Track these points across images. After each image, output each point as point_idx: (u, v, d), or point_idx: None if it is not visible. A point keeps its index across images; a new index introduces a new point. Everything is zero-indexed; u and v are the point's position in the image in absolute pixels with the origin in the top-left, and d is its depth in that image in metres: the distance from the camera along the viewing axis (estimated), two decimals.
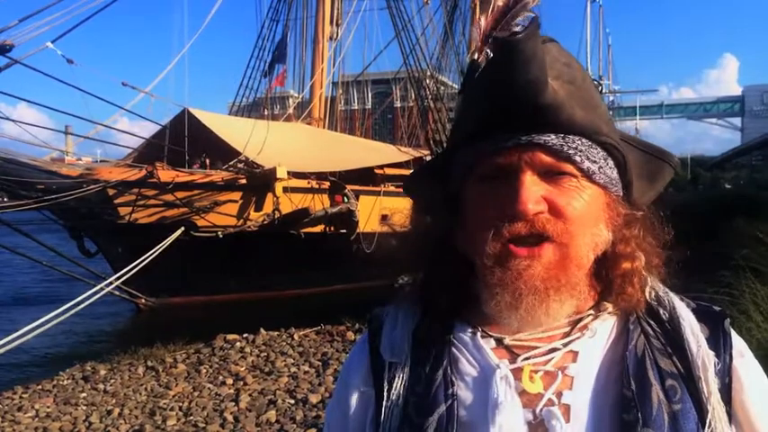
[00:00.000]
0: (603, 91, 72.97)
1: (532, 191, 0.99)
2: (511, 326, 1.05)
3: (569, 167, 1.02)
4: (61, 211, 15.34)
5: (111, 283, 13.25)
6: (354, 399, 1.13)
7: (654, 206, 1.15)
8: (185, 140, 16.33)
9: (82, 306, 11.21)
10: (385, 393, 1.06)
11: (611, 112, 1.16)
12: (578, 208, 1.02)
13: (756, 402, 1.05)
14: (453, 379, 1.04)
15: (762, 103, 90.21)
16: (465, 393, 1.04)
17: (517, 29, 0.99)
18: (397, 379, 1.07)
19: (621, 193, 1.09)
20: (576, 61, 1.07)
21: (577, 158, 1.01)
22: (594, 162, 1.03)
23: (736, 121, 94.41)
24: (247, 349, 11.68)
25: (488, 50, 1.04)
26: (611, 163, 1.06)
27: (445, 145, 1.18)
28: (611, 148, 1.05)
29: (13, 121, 13.54)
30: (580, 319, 1.08)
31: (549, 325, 1.05)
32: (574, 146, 1.01)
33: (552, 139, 1.00)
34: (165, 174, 14.97)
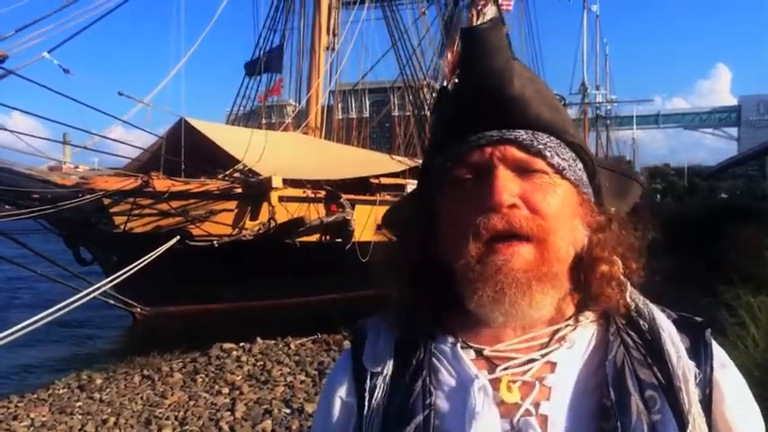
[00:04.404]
0: (601, 100, 73.27)
1: (507, 184, 1.01)
2: (496, 321, 1.05)
3: (540, 163, 1.04)
4: (57, 221, 15.32)
5: (98, 288, 13.17)
6: (337, 408, 1.14)
7: (636, 213, 1.17)
8: (182, 150, 16.33)
9: (68, 309, 11.13)
10: (366, 402, 1.08)
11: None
12: (553, 203, 1.03)
13: (736, 413, 1.06)
14: (432, 389, 1.05)
15: (758, 112, 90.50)
16: (444, 404, 1.04)
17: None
18: (377, 388, 1.08)
19: (593, 198, 1.11)
20: (540, 78, 1.09)
21: (547, 153, 1.04)
22: (564, 159, 1.05)
23: (732, 130, 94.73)
24: (244, 358, 11.65)
25: (456, 78, 1.08)
26: (579, 165, 1.09)
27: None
28: (578, 149, 1.08)
29: (10, 131, 13.51)
30: (558, 330, 1.08)
31: (533, 318, 1.05)
32: (543, 142, 1.04)
33: (522, 134, 1.03)
34: (161, 183, 14.95)
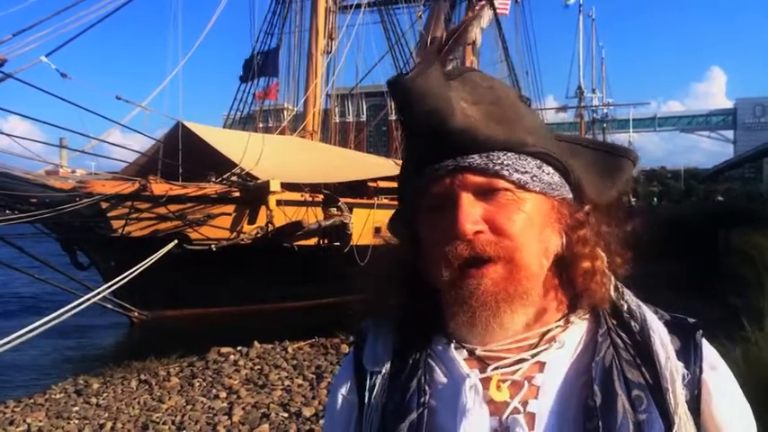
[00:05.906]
0: (597, 103, 73.28)
1: (469, 211, 1.04)
2: (472, 342, 1.11)
3: (501, 183, 1.06)
4: (54, 225, 15.29)
5: (98, 294, 13.16)
6: (340, 405, 1.21)
7: (623, 208, 1.18)
8: (179, 154, 16.31)
9: (67, 316, 11.15)
10: (366, 400, 1.13)
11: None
12: (518, 221, 1.06)
13: (726, 414, 1.09)
14: (426, 388, 1.10)
15: (754, 115, 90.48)
16: (437, 401, 1.09)
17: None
18: (377, 387, 1.13)
19: (569, 195, 1.12)
20: (501, 83, 1.15)
21: (505, 173, 1.05)
22: (526, 172, 1.06)
23: (728, 133, 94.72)
24: (241, 362, 11.63)
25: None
26: (547, 169, 1.09)
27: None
28: (543, 156, 1.08)
29: (7, 135, 13.50)
30: (548, 331, 1.11)
31: (505, 337, 1.09)
32: (499, 162, 1.05)
33: (476, 159, 1.05)
34: (159, 187, 14.91)
